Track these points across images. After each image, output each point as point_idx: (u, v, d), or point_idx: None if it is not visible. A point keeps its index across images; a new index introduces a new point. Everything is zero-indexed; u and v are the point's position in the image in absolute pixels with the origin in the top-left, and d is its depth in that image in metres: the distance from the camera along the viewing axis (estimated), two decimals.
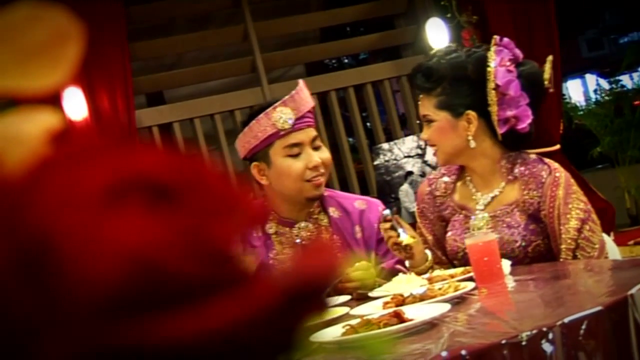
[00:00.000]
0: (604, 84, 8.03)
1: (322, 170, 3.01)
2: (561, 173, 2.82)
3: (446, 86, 2.86)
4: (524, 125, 2.84)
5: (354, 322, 2.14)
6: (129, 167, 0.36)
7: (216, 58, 7.07)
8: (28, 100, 0.49)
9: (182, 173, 0.37)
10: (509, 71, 2.83)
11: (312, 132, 3.02)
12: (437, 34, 6.56)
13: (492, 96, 2.81)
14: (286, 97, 2.97)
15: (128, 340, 0.34)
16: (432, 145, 2.97)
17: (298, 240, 3.07)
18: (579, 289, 2.37)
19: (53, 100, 5.23)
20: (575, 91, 16.75)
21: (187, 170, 0.37)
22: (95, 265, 0.34)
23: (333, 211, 3.12)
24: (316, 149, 3.02)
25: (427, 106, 2.91)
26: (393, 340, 1.96)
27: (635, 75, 9.58)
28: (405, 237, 2.81)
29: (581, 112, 7.63)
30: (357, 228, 3.12)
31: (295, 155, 2.98)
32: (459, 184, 3.01)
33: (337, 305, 2.61)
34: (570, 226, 2.74)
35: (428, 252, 2.94)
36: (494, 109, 2.81)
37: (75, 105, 5.59)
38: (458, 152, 2.89)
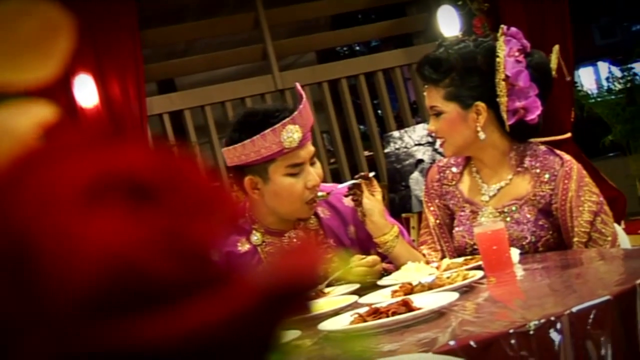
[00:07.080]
0: (617, 71, 8.00)
1: (317, 189, 2.88)
2: (573, 165, 2.79)
3: (455, 77, 2.82)
4: (533, 116, 2.81)
5: (362, 310, 2.15)
6: (110, 166, 0.36)
7: (227, 45, 7.07)
8: (22, 93, 0.49)
9: (162, 172, 0.37)
10: (518, 61, 2.80)
11: (311, 148, 2.87)
12: (448, 22, 6.55)
13: (502, 87, 2.77)
14: (295, 113, 2.79)
15: (108, 340, 0.34)
16: (439, 138, 2.91)
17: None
18: (587, 278, 2.36)
19: (61, 88, 5.25)
20: (588, 79, 16.67)
21: (168, 169, 0.37)
22: (74, 265, 0.34)
23: (322, 211, 3.00)
24: (312, 164, 2.88)
25: (435, 97, 2.85)
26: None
27: None
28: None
29: (593, 100, 7.61)
30: (352, 228, 3.01)
31: (296, 174, 2.83)
32: (465, 173, 2.99)
33: (346, 293, 2.61)
34: (583, 219, 2.71)
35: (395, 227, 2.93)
36: (503, 100, 2.77)
37: (86, 92, 5.61)
38: (467, 144, 2.86)
